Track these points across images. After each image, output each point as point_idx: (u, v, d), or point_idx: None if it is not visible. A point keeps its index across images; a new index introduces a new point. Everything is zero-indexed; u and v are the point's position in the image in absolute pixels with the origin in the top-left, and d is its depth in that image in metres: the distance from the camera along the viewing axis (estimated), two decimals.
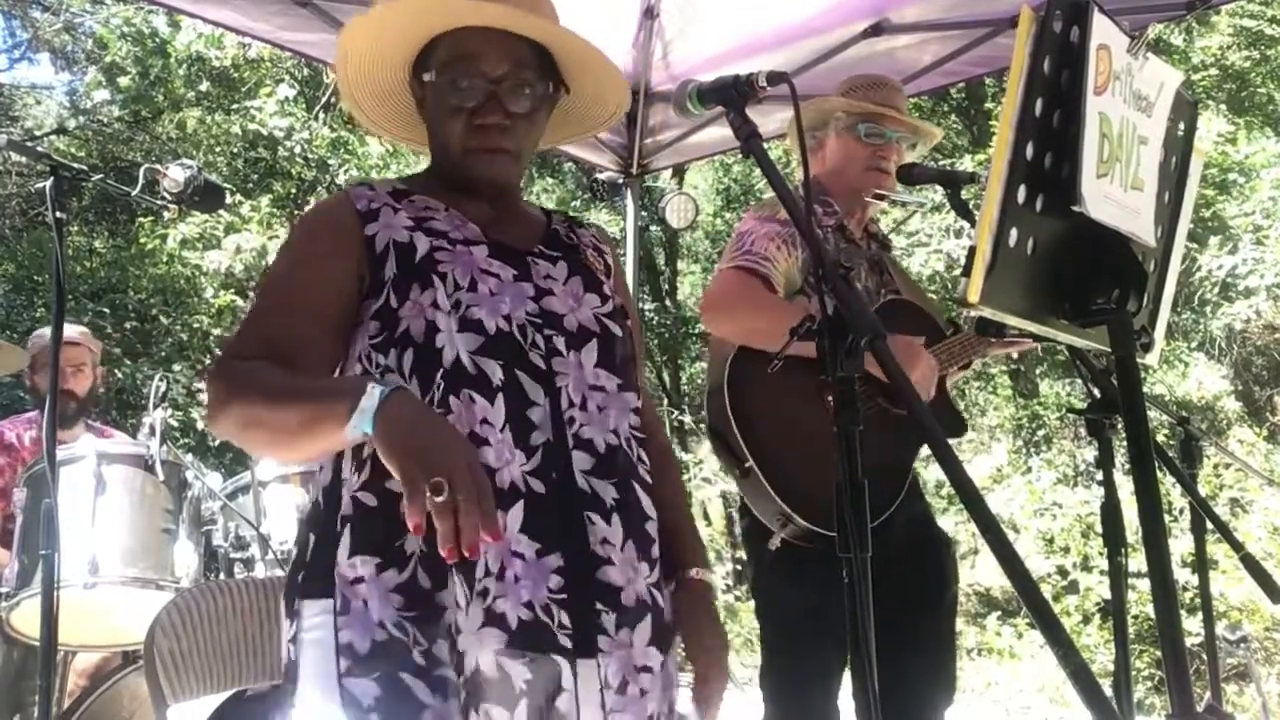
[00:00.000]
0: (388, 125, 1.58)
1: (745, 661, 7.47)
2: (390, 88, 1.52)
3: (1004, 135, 1.28)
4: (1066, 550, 7.91)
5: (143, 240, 9.28)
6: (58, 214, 2.23)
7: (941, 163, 8.74)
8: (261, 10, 3.13)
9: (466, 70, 1.40)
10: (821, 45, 3.39)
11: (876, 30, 3.29)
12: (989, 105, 10.78)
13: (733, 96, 1.36)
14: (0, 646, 3.02)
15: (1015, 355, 6.50)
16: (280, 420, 1.25)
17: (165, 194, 2.40)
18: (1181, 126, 1.58)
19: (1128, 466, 1.44)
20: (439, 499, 1.08)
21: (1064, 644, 0.94)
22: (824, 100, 2.54)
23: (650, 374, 12.86)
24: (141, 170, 2.46)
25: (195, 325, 8.82)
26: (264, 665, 2.18)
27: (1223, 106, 9.78)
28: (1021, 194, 1.29)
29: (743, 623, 8.42)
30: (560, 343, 1.36)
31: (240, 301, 8.59)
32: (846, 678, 1.33)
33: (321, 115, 10.14)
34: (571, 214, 1.66)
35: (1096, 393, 1.83)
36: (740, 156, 7.13)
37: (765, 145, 1.35)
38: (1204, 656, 2.58)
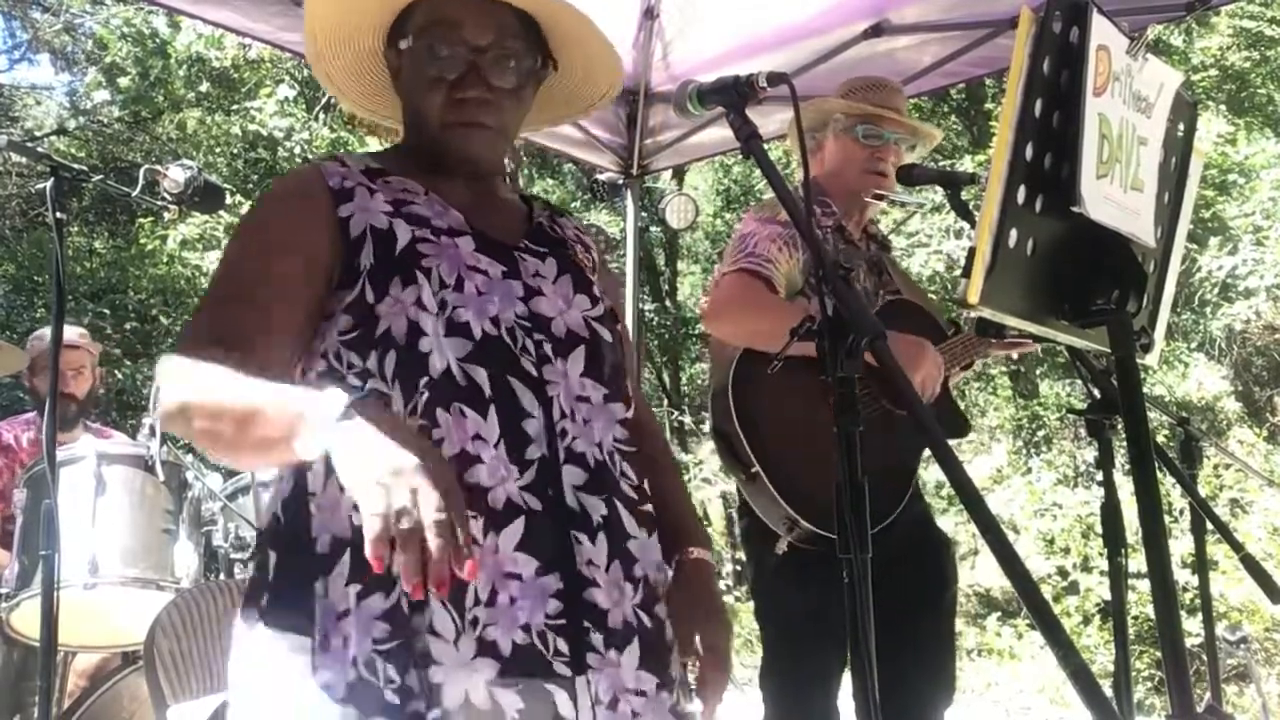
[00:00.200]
0: (364, 101, 1.45)
1: (745, 661, 7.47)
2: (363, 60, 1.40)
3: (1004, 136, 1.28)
4: (1066, 551, 7.90)
5: (143, 241, 9.29)
6: (58, 214, 2.23)
7: (942, 163, 8.74)
8: (261, 11, 3.12)
9: (446, 38, 1.28)
10: (821, 46, 3.39)
11: (876, 31, 3.29)
12: (989, 106, 10.79)
13: (733, 97, 1.36)
14: (0, 647, 3.02)
15: (1015, 356, 6.49)
16: (230, 428, 1.10)
17: (165, 195, 2.40)
18: (1181, 127, 1.58)
19: (1128, 467, 1.44)
20: (404, 527, 0.94)
21: (1064, 645, 0.94)
22: (823, 102, 2.54)
23: (650, 374, 12.87)
24: (141, 171, 2.46)
25: None
26: None
27: (1222, 107, 9.78)
28: (1021, 195, 1.29)
29: (743, 623, 8.42)
30: (549, 349, 1.26)
31: None
32: (846, 678, 1.33)
33: (321, 116, 10.15)
34: (554, 204, 1.54)
35: (1096, 393, 1.83)
36: (740, 157, 7.14)
37: (765, 146, 1.34)
38: (1204, 657, 2.59)
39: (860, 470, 1.17)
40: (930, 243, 9.49)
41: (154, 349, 8.81)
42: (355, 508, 1.03)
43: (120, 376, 7.93)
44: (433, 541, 0.94)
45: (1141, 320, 1.51)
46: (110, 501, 2.79)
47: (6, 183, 11.10)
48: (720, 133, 3.90)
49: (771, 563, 2.29)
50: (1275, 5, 9.91)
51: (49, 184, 2.25)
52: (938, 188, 2.06)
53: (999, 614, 8.40)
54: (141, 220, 9.36)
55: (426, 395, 1.18)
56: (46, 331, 2.98)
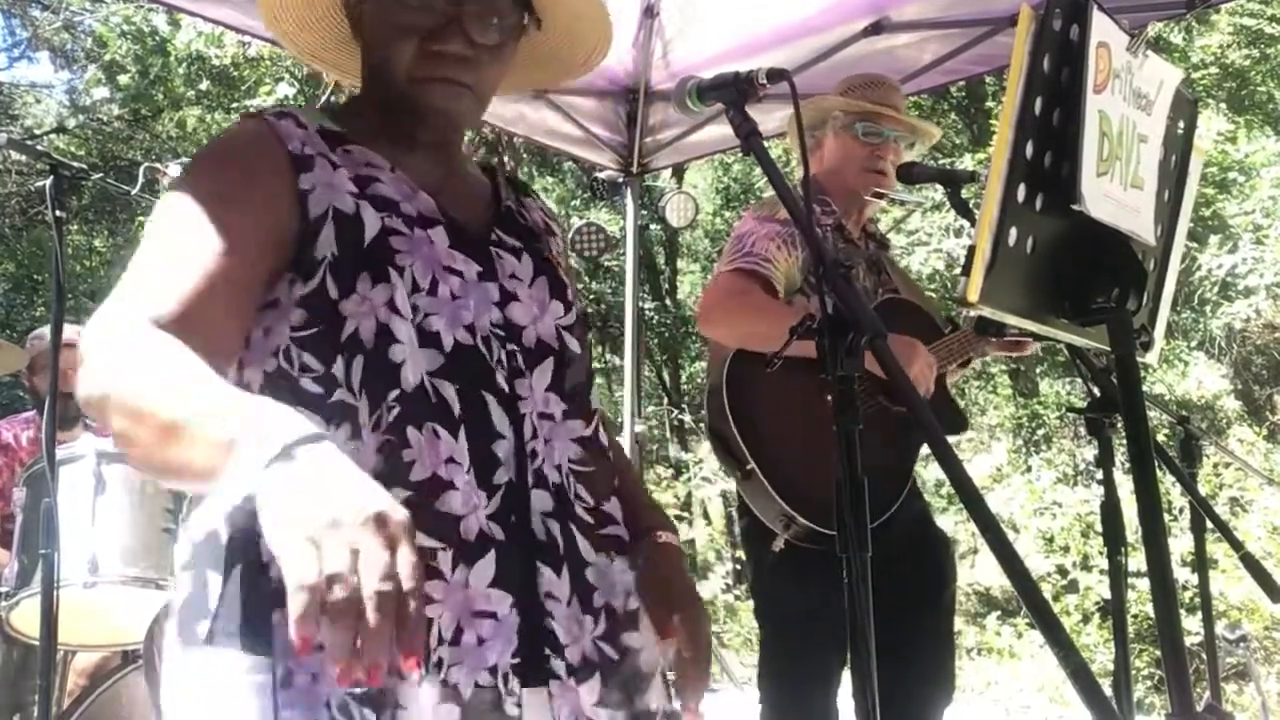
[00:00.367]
0: (321, 52, 1.31)
1: (745, 661, 7.48)
2: (321, 9, 1.25)
3: (1004, 134, 1.28)
4: (1066, 549, 7.91)
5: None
6: (58, 213, 2.24)
7: (942, 161, 8.75)
8: None
9: None
10: (821, 44, 3.39)
11: (876, 29, 3.29)
12: (989, 104, 10.79)
13: (733, 94, 1.35)
14: (0, 646, 3.02)
15: (1015, 355, 6.51)
16: (148, 438, 0.89)
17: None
18: (1181, 125, 1.58)
19: (1128, 465, 1.43)
20: (336, 597, 0.73)
21: (1064, 643, 0.94)
22: (821, 99, 2.54)
23: (650, 374, 12.87)
24: (141, 169, 2.46)
25: None
26: None
27: (1223, 105, 9.78)
28: (1021, 193, 1.29)
29: (743, 623, 8.43)
30: (521, 360, 1.15)
31: None
32: (846, 677, 1.32)
33: None
34: (518, 180, 1.39)
35: (1096, 392, 1.83)
36: (740, 156, 7.14)
37: (765, 143, 1.34)
38: (1204, 656, 2.58)
39: (860, 468, 1.17)
40: (930, 241, 9.49)
41: None
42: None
43: None
44: (371, 618, 0.73)
45: (1141, 318, 1.51)
46: (110, 500, 2.78)
47: (6, 181, 11.10)
48: (720, 131, 3.91)
49: (769, 560, 2.29)
50: (1275, 3, 9.91)
51: (49, 182, 2.26)
52: (938, 186, 2.06)
53: (999, 613, 8.40)
54: (141, 218, 9.34)
55: (397, 410, 1.06)
56: (46, 330, 2.98)
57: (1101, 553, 2.90)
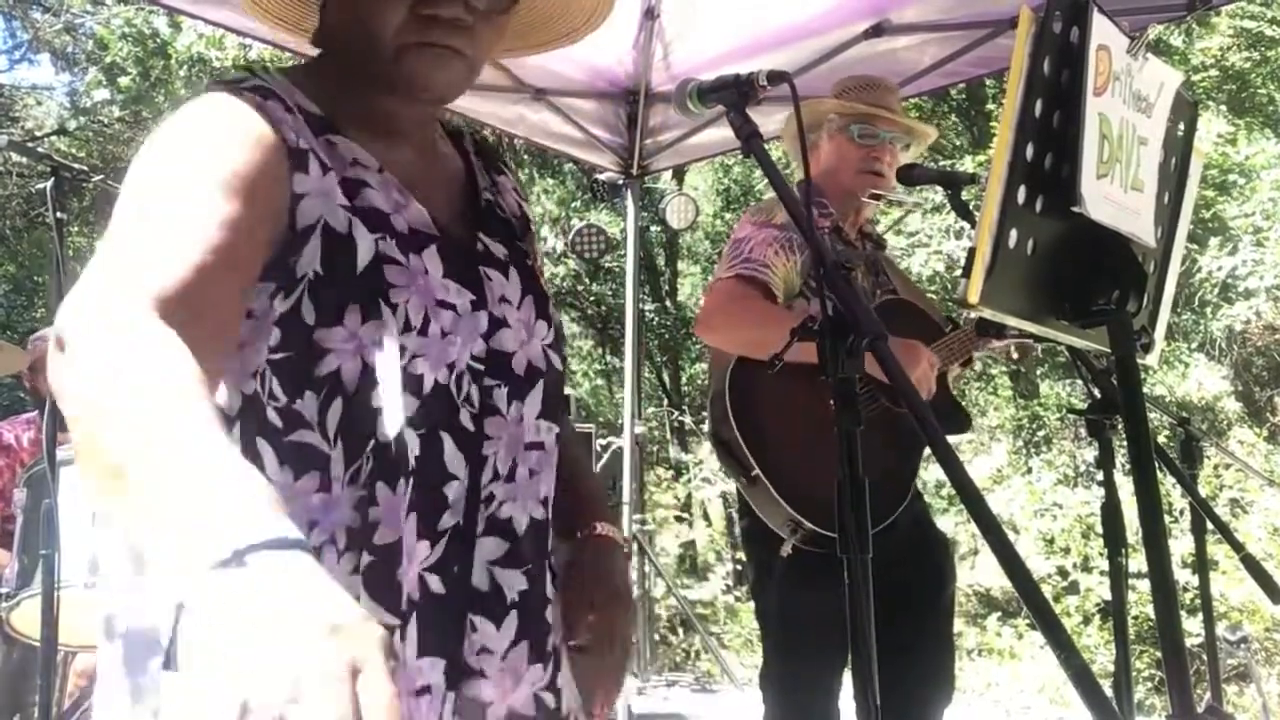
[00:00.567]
0: (285, 16, 1.19)
1: (745, 661, 7.47)
2: None
3: (1004, 136, 1.28)
4: (1067, 551, 7.91)
5: None
6: (58, 214, 2.24)
7: (942, 163, 8.75)
8: None
9: None
10: (822, 46, 3.40)
11: (877, 31, 3.30)
12: (989, 106, 10.79)
13: (733, 96, 1.35)
14: (0, 646, 3.02)
15: (1015, 355, 6.50)
16: (97, 472, 0.72)
17: None
18: (1181, 127, 1.58)
19: (1128, 467, 1.44)
20: None
21: (1064, 645, 0.94)
22: (817, 102, 2.54)
23: (650, 375, 12.87)
24: None
25: None
26: None
27: (1223, 107, 9.78)
28: (1021, 195, 1.29)
29: (743, 623, 8.42)
30: (502, 395, 1.07)
31: None
32: (847, 679, 1.32)
33: None
34: (485, 144, 1.28)
35: (1097, 393, 1.84)
36: (740, 158, 7.14)
37: (765, 145, 1.34)
38: (1204, 657, 2.59)
39: (860, 469, 1.17)
40: (930, 243, 9.49)
41: None
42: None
43: None
44: None
45: (1142, 320, 1.51)
46: None
47: (7, 183, 11.11)
48: (720, 133, 3.91)
49: (777, 566, 2.29)
50: (1275, 5, 9.91)
51: (49, 184, 2.26)
52: (938, 188, 2.06)
53: (999, 614, 8.39)
54: None
55: (371, 464, 0.97)
56: (48, 333, 2.98)
57: (1102, 554, 2.90)
